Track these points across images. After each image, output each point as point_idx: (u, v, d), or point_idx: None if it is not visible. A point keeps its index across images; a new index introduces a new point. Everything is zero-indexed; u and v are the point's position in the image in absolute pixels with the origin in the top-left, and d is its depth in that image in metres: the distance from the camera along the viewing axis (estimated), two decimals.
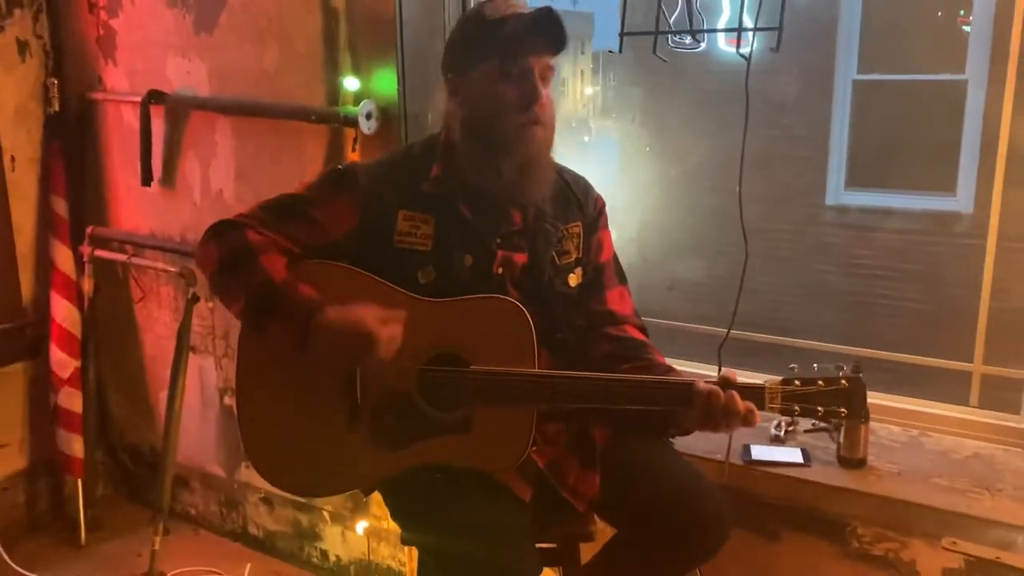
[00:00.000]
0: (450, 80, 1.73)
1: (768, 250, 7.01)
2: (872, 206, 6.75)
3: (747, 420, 1.54)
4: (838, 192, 6.87)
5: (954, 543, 1.74)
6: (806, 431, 2.12)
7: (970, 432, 2.07)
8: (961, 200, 6.35)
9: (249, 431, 1.72)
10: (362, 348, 1.53)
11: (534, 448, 1.68)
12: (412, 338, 1.62)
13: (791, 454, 2.01)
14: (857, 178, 6.86)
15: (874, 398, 2.14)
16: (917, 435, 2.10)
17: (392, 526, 2.51)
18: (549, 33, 1.63)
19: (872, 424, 2.08)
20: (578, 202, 1.81)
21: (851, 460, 1.96)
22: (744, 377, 1.60)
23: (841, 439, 1.97)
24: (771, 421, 2.13)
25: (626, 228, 7.71)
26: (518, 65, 1.62)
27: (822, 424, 2.08)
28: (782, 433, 2.09)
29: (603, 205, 1.87)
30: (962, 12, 6.30)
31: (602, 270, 1.84)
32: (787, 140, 6.83)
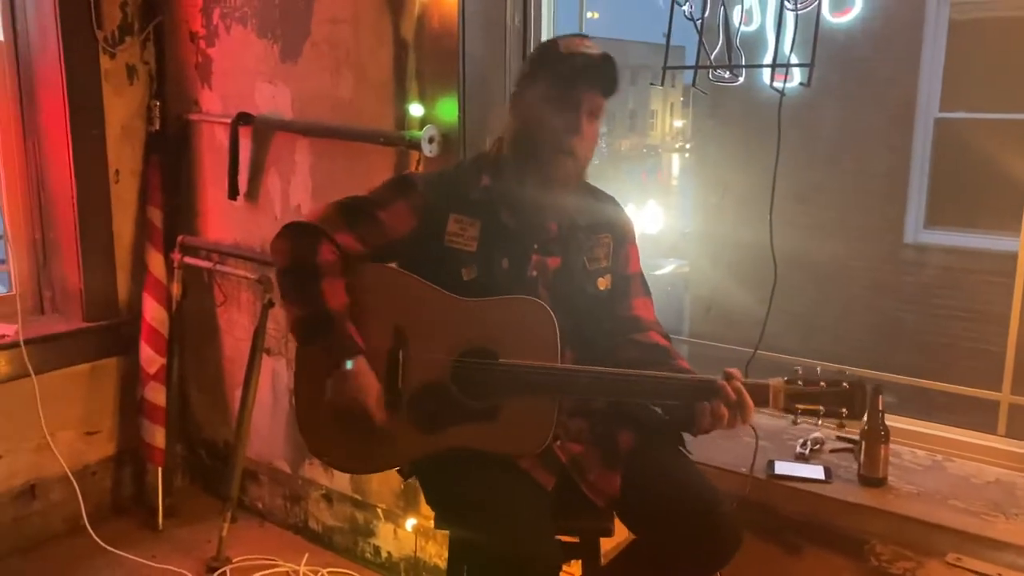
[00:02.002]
0: (513, 95, 1.92)
1: (844, 287, 6.96)
2: (952, 246, 6.65)
3: (745, 417, 1.68)
4: (917, 231, 6.79)
5: (959, 559, 1.80)
6: (831, 451, 2.19)
7: (995, 460, 2.11)
8: None
9: (302, 409, 1.91)
10: (357, 410, 1.79)
11: (558, 443, 1.83)
12: (448, 333, 1.81)
13: (814, 471, 2.08)
14: (937, 217, 6.77)
15: (902, 423, 2.22)
16: (941, 460, 2.15)
17: None
18: (604, 76, 1.81)
19: (897, 447, 2.15)
20: (608, 218, 1.98)
21: (871, 479, 2.02)
22: None
23: (862, 458, 2.04)
24: (797, 440, 2.21)
25: (703, 257, 7.78)
26: (569, 96, 1.80)
27: (839, 436, 2.15)
28: (807, 451, 2.17)
29: (632, 224, 2.04)
30: None
31: (629, 280, 1.99)
32: (864, 177, 6.79)
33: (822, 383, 1.67)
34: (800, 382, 1.68)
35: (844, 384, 1.66)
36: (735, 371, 1.71)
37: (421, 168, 2.50)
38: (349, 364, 1.78)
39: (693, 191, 8.37)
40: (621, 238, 1.98)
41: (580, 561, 1.93)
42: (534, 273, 1.87)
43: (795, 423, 2.11)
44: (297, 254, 1.85)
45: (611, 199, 2.02)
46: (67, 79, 2.94)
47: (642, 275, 2.02)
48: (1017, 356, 2.23)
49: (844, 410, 1.66)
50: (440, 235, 1.88)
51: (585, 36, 1.87)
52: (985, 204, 6.44)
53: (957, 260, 6.61)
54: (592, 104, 1.82)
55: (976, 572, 1.80)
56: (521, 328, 1.78)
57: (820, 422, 1.69)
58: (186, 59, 3.08)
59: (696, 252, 7.80)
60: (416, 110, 2.50)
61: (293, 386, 1.94)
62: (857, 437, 2.06)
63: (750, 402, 1.67)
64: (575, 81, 1.80)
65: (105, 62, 3.03)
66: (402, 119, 2.55)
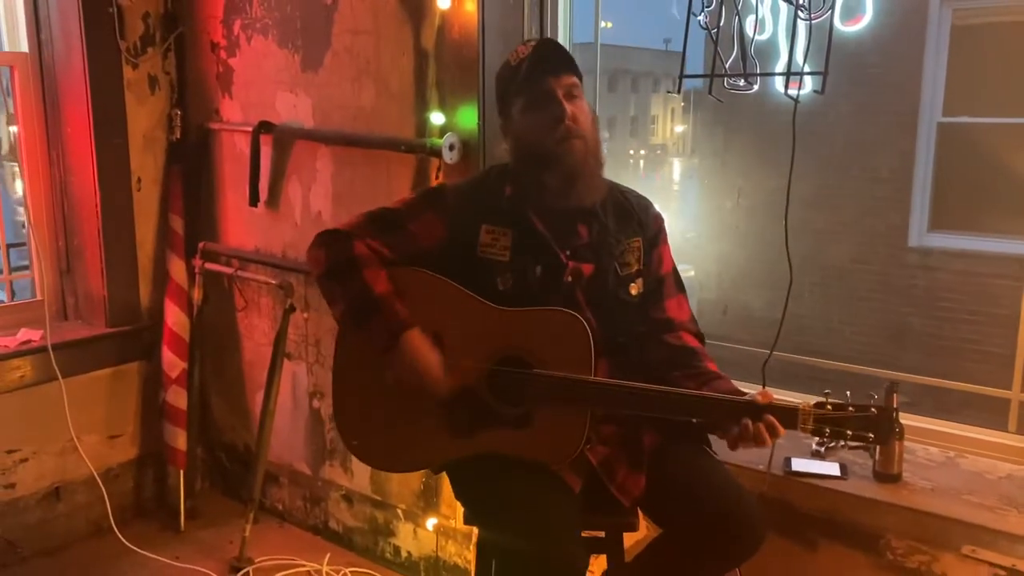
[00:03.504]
0: (502, 124, 2.00)
1: (850, 290, 7.03)
2: (956, 249, 6.71)
3: (773, 439, 1.72)
4: (921, 234, 6.86)
5: (973, 550, 1.86)
6: (847, 448, 2.24)
7: (1006, 456, 2.16)
8: None
9: (341, 413, 1.98)
10: (423, 382, 1.85)
11: (588, 446, 1.87)
12: (484, 341, 1.86)
13: (830, 467, 2.14)
14: (941, 221, 6.83)
15: (916, 420, 2.27)
16: (954, 456, 2.21)
17: (459, 526, 2.72)
18: (554, 56, 1.88)
19: (911, 444, 2.21)
20: (638, 219, 2.01)
21: (886, 475, 2.08)
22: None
23: (877, 455, 2.09)
24: (813, 437, 2.26)
25: (707, 261, 7.84)
26: (540, 92, 1.86)
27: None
28: (823, 449, 2.22)
29: (662, 222, 2.07)
30: None
31: (662, 281, 2.03)
32: (870, 181, 6.86)
33: (850, 408, 1.70)
34: (829, 406, 1.71)
35: (872, 409, 1.69)
36: (767, 394, 1.76)
37: (442, 175, 2.56)
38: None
39: (700, 196, 8.43)
40: (652, 240, 2.01)
41: (605, 555, 1.98)
42: (569, 279, 1.91)
43: (821, 444, 2.18)
44: (333, 256, 1.91)
45: (641, 199, 2.05)
46: (91, 89, 3.00)
47: (675, 273, 2.05)
48: None
49: (871, 435, 1.69)
50: (472, 246, 1.92)
51: (530, 40, 1.98)
52: (989, 207, 6.51)
53: (961, 263, 6.68)
54: (563, 85, 1.87)
55: (991, 563, 1.86)
56: (556, 339, 1.82)
57: (846, 444, 1.73)
58: (207, 69, 3.15)
59: (703, 256, 7.86)
60: (437, 118, 2.56)
61: (332, 386, 1.99)
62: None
63: (780, 427, 1.71)
64: (535, 76, 1.86)
65: (128, 72, 3.09)
66: (422, 127, 2.60)
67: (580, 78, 1.92)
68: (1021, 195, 6.28)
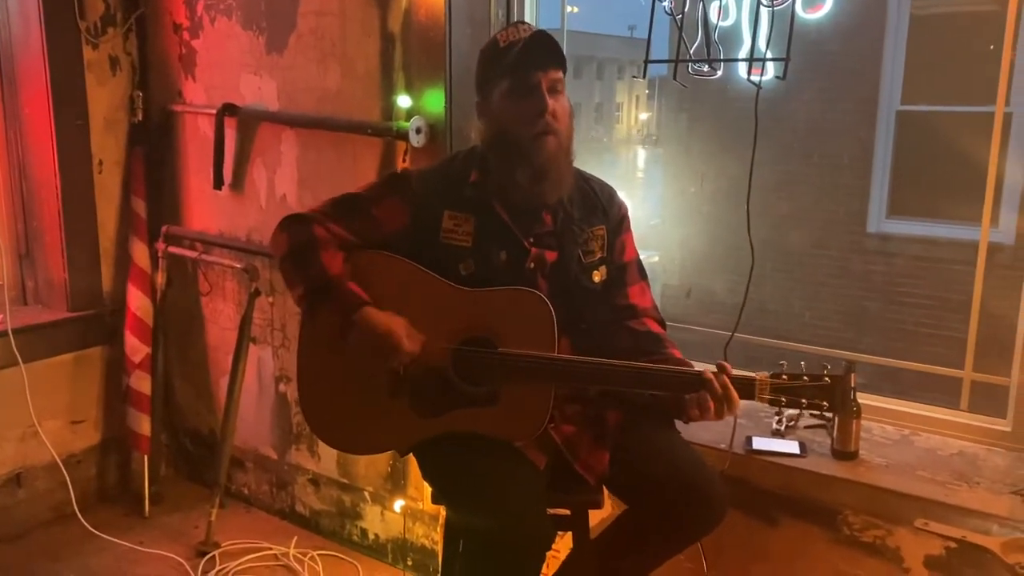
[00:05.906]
0: (478, 103, 1.99)
1: (810, 275, 7.14)
2: (914, 235, 6.83)
3: (731, 409, 1.76)
4: (880, 220, 6.97)
5: (926, 524, 1.93)
6: (806, 427, 2.29)
7: (958, 433, 2.23)
8: (1004, 232, 6.40)
9: (307, 396, 1.98)
10: (387, 351, 1.84)
11: (552, 425, 1.90)
12: (449, 321, 1.87)
13: (789, 446, 2.18)
14: (899, 207, 6.95)
15: (873, 400, 2.33)
16: (908, 434, 2.27)
17: (427, 507, 2.74)
18: (546, 50, 1.87)
19: (868, 423, 2.27)
20: (603, 208, 2.04)
21: (843, 453, 2.13)
22: None
23: (835, 433, 2.14)
24: (774, 417, 2.31)
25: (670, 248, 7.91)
26: (526, 82, 1.86)
27: (812, 413, 2.25)
28: (782, 428, 2.27)
29: (626, 211, 2.09)
30: None
31: (625, 269, 2.06)
32: (831, 168, 6.96)
33: (805, 377, 1.75)
34: (784, 376, 1.76)
35: (826, 378, 1.74)
36: (724, 364, 1.79)
37: (408, 158, 2.56)
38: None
39: (664, 182, 8.49)
40: (616, 228, 2.04)
41: (570, 533, 2.01)
42: (531, 265, 1.93)
43: (778, 414, 2.24)
44: (294, 239, 1.92)
45: (606, 187, 2.07)
46: (50, 70, 2.95)
47: (638, 260, 2.08)
48: (977, 336, 2.35)
49: (825, 403, 1.74)
50: (435, 232, 1.93)
51: (521, 22, 1.95)
52: (945, 194, 6.63)
53: (919, 248, 6.80)
54: (549, 80, 1.87)
55: (942, 536, 1.93)
56: (519, 318, 1.84)
57: (801, 413, 1.78)
58: (169, 50, 3.11)
59: (667, 241, 7.93)
60: (404, 101, 2.56)
61: (297, 369, 1.99)
62: (830, 414, 2.16)
63: (736, 395, 1.75)
64: (524, 65, 1.86)
65: (88, 53, 3.05)
66: (389, 110, 2.60)
67: (565, 72, 1.92)
68: (977, 182, 6.36)
